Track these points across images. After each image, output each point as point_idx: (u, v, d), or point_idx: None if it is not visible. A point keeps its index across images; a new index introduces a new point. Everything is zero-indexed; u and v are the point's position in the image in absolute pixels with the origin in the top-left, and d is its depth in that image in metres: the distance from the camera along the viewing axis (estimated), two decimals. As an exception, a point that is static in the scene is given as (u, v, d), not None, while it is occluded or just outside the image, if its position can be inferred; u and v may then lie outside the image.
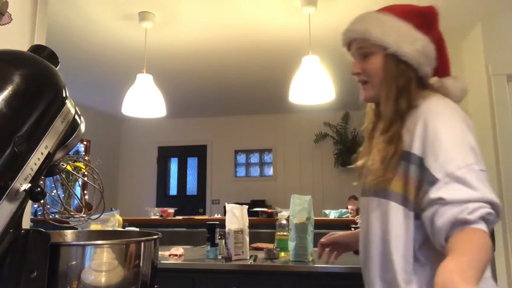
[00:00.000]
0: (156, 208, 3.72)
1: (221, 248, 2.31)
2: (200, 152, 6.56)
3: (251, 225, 2.38)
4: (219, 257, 2.26)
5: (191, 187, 6.63)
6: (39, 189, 0.61)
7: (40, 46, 0.74)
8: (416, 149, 0.93)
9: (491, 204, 0.82)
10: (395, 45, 1.02)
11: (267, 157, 6.49)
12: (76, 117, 0.74)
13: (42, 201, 0.73)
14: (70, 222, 0.92)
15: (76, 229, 1.06)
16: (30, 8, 1.58)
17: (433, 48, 1.05)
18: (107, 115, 6.13)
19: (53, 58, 0.73)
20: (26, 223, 1.22)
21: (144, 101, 3.00)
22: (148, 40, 3.16)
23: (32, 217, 3.25)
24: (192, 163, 6.67)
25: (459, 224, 0.80)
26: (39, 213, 3.79)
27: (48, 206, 0.89)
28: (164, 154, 6.71)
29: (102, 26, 3.16)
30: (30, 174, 0.61)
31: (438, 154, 0.88)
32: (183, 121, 6.52)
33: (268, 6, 2.85)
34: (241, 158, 6.58)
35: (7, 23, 1.44)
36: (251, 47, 3.59)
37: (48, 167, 0.67)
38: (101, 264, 0.71)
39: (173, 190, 6.72)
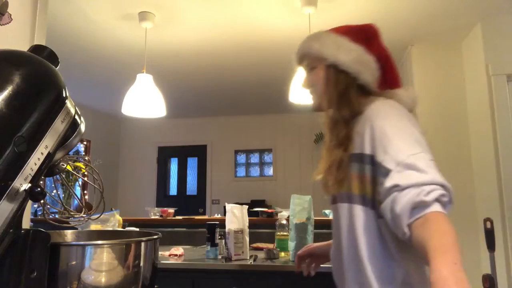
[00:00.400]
0: (156, 208, 3.72)
1: (221, 248, 2.31)
2: (200, 152, 6.56)
3: (251, 225, 2.38)
4: (219, 257, 2.26)
5: (191, 187, 6.63)
6: (39, 189, 0.61)
7: (40, 46, 0.74)
8: (367, 150, 0.99)
9: (443, 186, 0.87)
10: (333, 56, 1.11)
11: (267, 157, 6.49)
12: (76, 117, 0.74)
13: (42, 201, 0.73)
14: (70, 222, 0.92)
15: (76, 229, 1.06)
16: (30, 8, 1.58)
17: (370, 58, 1.12)
18: (107, 115, 6.13)
19: (53, 58, 0.73)
20: (26, 223, 1.22)
21: (144, 101, 3.00)
22: (148, 40, 3.16)
23: (32, 217, 3.24)
24: (192, 163, 6.67)
25: (418, 206, 0.83)
26: (39, 213, 3.78)
27: (48, 206, 0.89)
28: (164, 154, 6.71)
29: (102, 26, 3.16)
30: (30, 174, 0.61)
31: (387, 147, 0.93)
32: (183, 121, 6.52)
33: (268, 6, 2.85)
34: (241, 158, 6.58)
35: (7, 23, 1.44)
36: (251, 47, 3.59)
37: (48, 167, 0.67)
38: (101, 264, 0.71)
39: (173, 190, 6.72)
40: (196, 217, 3.58)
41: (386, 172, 0.90)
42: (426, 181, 0.85)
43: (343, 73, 1.10)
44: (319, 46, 1.15)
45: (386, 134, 0.95)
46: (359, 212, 1.00)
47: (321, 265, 2.12)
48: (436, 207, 0.83)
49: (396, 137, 0.94)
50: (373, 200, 0.98)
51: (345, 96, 1.09)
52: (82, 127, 0.76)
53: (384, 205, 0.90)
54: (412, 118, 1.02)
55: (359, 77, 1.10)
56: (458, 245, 0.78)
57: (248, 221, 2.30)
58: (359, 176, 1.00)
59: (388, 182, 0.88)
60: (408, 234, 0.84)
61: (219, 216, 4.18)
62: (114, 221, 2.31)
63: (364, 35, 1.16)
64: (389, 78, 1.17)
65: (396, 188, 0.86)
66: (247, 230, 2.27)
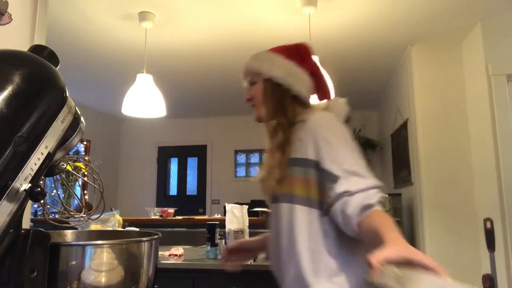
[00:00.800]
0: (156, 208, 3.72)
1: (221, 248, 2.31)
2: (200, 152, 6.56)
3: (251, 225, 2.38)
4: (219, 257, 2.26)
5: (191, 187, 6.63)
6: (39, 189, 0.61)
7: (40, 46, 0.74)
8: (311, 155, 1.11)
9: (380, 188, 1.04)
10: (268, 71, 1.28)
11: (267, 157, 6.48)
12: (76, 117, 0.74)
13: (42, 201, 0.73)
14: (70, 222, 0.92)
15: (76, 229, 1.06)
16: (30, 8, 1.58)
17: (302, 71, 1.28)
18: (107, 115, 6.13)
19: (53, 58, 0.73)
20: (26, 223, 1.22)
21: (144, 101, 3.00)
22: (148, 40, 3.16)
23: (32, 217, 3.24)
24: (192, 163, 6.67)
25: (366, 208, 0.98)
26: (39, 213, 3.78)
27: (48, 206, 0.89)
28: (164, 154, 6.71)
29: (102, 26, 3.16)
30: (30, 174, 0.61)
31: (333, 156, 1.08)
32: (183, 121, 6.52)
33: (268, 6, 2.85)
34: (241, 158, 6.58)
35: (7, 23, 1.44)
36: (251, 47, 3.57)
37: (48, 167, 0.67)
38: (101, 264, 0.71)
39: (173, 190, 6.71)
40: (196, 217, 3.58)
41: (335, 179, 1.04)
42: (370, 186, 1.02)
43: (277, 85, 1.25)
44: (257, 64, 1.32)
45: (331, 144, 1.10)
46: (300, 212, 1.11)
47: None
48: (378, 207, 0.99)
49: (340, 148, 1.10)
50: (318, 201, 1.09)
51: (281, 105, 1.24)
52: (82, 127, 0.76)
53: (335, 208, 1.03)
54: (345, 128, 1.17)
55: (292, 88, 1.24)
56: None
57: (248, 221, 2.30)
58: (304, 178, 1.12)
59: (339, 188, 1.02)
60: (358, 231, 0.98)
61: (219, 216, 4.18)
62: (114, 221, 2.31)
63: (296, 52, 1.33)
64: (324, 92, 1.34)
65: (347, 193, 1.01)
66: (247, 230, 2.27)
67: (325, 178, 1.07)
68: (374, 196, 0.99)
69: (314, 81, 1.30)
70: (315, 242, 1.09)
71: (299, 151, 1.14)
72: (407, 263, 0.79)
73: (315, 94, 1.31)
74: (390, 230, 0.90)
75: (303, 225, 1.10)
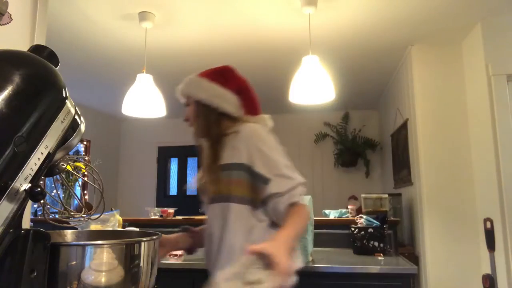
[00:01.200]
0: (156, 208, 3.72)
1: (221, 248, 2.30)
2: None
3: (251, 225, 2.38)
4: (219, 257, 2.26)
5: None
6: (39, 189, 0.61)
7: (40, 46, 0.74)
8: (244, 160, 1.33)
9: (303, 183, 1.32)
10: (196, 94, 1.49)
11: (267, 157, 6.48)
12: (76, 117, 0.74)
13: (42, 201, 0.73)
14: (70, 222, 0.92)
15: (76, 229, 1.06)
16: (30, 8, 1.58)
17: (226, 91, 1.48)
18: (107, 115, 6.13)
19: (53, 58, 0.73)
20: (26, 223, 1.22)
21: (144, 101, 3.00)
22: (148, 40, 3.16)
23: (32, 217, 3.24)
24: (192, 163, 6.66)
25: (291, 205, 1.26)
26: (39, 213, 3.78)
27: (48, 206, 0.89)
28: (164, 154, 6.71)
29: (102, 26, 3.16)
30: (30, 174, 0.61)
31: (264, 161, 1.31)
32: (183, 121, 6.51)
33: (268, 6, 2.85)
34: (241, 158, 6.57)
35: (7, 23, 1.44)
36: (251, 47, 3.59)
37: (48, 167, 0.67)
38: (101, 264, 0.71)
39: (173, 190, 6.71)
40: (196, 217, 3.57)
41: (266, 181, 1.29)
42: (295, 185, 1.29)
43: (205, 106, 1.47)
44: (187, 88, 1.52)
45: (262, 151, 1.33)
46: (235, 208, 1.32)
47: (322, 265, 2.13)
48: (300, 201, 1.29)
49: (269, 154, 1.33)
50: (250, 199, 1.32)
51: (211, 122, 1.45)
52: (82, 127, 0.76)
53: (269, 206, 1.31)
54: (274, 137, 1.42)
55: (219, 107, 1.44)
56: (303, 227, 1.30)
57: (248, 221, 2.30)
58: (239, 180, 1.33)
59: (271, 189, 1.28)
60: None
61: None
62: (114, 221, 2.31)
63: (220, 74, 1.54)
64: (253, 108, 1.53)
65: (278, 194, 1.28)
66: (247, 230, 2.27)
67: (258, 180, 1.31)
68: (297, 193, 1.29)
69: (241, 98, 1.50)
70: (247, 233, 1.31)
71: (234, 157, 1.35)
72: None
73: (244, 109, 1.51)
74: (285, 228, 1.20)
75: (237, 219, 1.32)
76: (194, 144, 1.58)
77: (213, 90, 1.48)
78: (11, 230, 0.59)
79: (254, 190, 1.32)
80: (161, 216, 3.63)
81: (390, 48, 3.62)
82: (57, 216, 0.92)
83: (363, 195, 3.25)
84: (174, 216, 3.69)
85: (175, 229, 3.36)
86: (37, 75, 0.66)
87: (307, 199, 2.22)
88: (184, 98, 1.54)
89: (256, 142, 1.35)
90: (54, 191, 0.91)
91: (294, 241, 1.18)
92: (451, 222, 3.24)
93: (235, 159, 1.34)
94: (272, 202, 1.29)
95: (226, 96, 1.48)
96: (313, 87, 2.77)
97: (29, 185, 0.60)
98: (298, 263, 1.31)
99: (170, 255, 2.25)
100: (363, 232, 2.54)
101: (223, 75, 1.55)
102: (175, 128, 6.58)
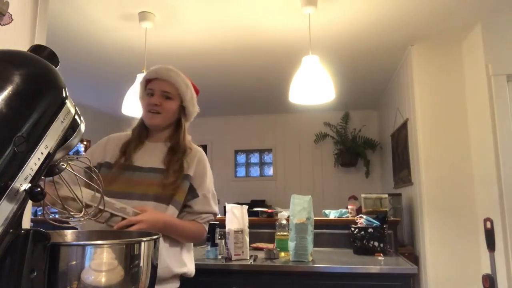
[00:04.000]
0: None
1: (221, 248, 2.31)
2: (200, 152, 6.55)
3: (251, 225, 2.38)
4: (219, 257, 2.26)
5: (191, 187, 6.62)
6: (39, 189, 0.61)
7: (40, 46, 0.73)
8: (191, 173, 1.53)
9: (214, 214, 1.59)
10: (188, 102, 1.60)
11: (267, 157, 6.48)
12: (76, 117, 0.74)
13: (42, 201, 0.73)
14: (70, 222, 0.92)
15: (76, 229, 1.06)
16: (31, 8, 1.58)
17: (196, 111, 1.67)
18: (107, 115, 6.13)
19: (53, 58, 0.73)
20: (26, 223, 1.22)
21: (144, 101, 2.99)
22: (148, 40, 3.16)
23: (32, 217, 3.24)
24: (192, 163, 6.66)
25: (204, 222, 1.57)
26: (39, 213, 3.78)
27: (48, 206, 0.89)
28: (164, 154, 6.70)
29: (102, 26, 3.16)
30: (30, 174, 0.61)
31: (203, 182, 1.56)
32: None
33: (268, 6, 2.85)
34: (241, 158, 6.58)
35: (8, 23, 1.44)
36: (251, 47, 3.58)
37: (48, 167, 0.67)
38: (101, 264, 0.71)
39: (173, 190, 6.71)
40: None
41: (196, 196, 1.53)
42: (209, 211, 1.57)
43: (185, 116, 1.63)
44: (183, 87, 1.58)
45: (203, 174, 1.58)
46: (170, 210, 1.46)
47: (322, 265, 2.12)
48: (204, 224, 1.57)
49: (206, 178, 1.59)
50: (181, 204, 1.50)
51: (185, 134, 1.61)
52: (82, 127, 0.76)
53: (191, 216, 1.54)
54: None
55: (190, 118, 1.65)
56: (185, 236, 1.52)
57: (248, 221, 2.30)
58: (182, 189, 1.50)
59: (196, 206, 1.53)
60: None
61: (219, 216, 4.17)
62: (114, 221, 2.30)
63: (197, 94, 1.67)
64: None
65: (197, 211, 1.53)
66: (247, 230, 2.27)
67: (191, 193, 1.52)
68: (205, 218, 1.56)
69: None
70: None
71: (185, 169, 1.52)
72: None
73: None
74: (175, 220, 1.47)
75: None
76: (149, 123, 1.61)
77: (196, 110, 1.66)
78: (11, 230, 0.59)
79: (185, 199, 1.52)
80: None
81: (390, 48, 3.62)
82: (57, 216, 0.92)
83: (363, 195, 3.25)
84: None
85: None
86: (37, 75, 0.66)
87: (306, 199, 2.22)
88: (170, 88, 1.56)
89: (202, 165, 1.59)
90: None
91: (166, 229, 1.39)
92: (451, 222, 3.24)
93: (186, 171, 1.53)
94: (193, 216, 1.53)
95: (195, 112, 1.66)
96: (313, 87, 2.77)
97: (29, 185, 0.60)
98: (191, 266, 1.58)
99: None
100: (363, 232, 2.54)
101: (195, 96, 1.68)
102: (175, 128, 6.58)
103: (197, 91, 1.68)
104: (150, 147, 1.58)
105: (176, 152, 1.54)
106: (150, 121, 1.58)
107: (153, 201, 1.45)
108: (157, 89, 1.56)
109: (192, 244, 1.62)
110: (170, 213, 1.45)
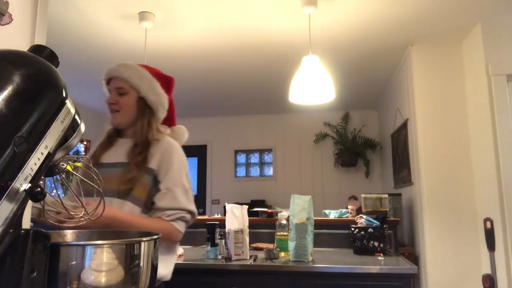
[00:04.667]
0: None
1: (221, 248, 2.31)
2: (200, 152, 6.55)
3: (251, 225, 2.38)
4: (219, 257, 2.26)
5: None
6: (39, 189, 0.61)
7: (40, 46, 0.73)
8: (154, 166, 1.44)
9: (188, 211, 1.45)
10: (146, 93, 1.52)
11: (267, 157, 6.48)
12: (76, 117, 0.74)
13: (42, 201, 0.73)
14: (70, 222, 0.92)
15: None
16: (31, 8, 1.58)
17: (166, 102, 1.57)
18: (107, 115, 6.12)
19: (53, 58, 0.73)
20: (26, 223, 1.22)
21: (144, 101, 3.00)
22: (148, 40, 3.16)
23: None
24: (192, 163, 6.66)
25: (174, 220, 1.41)
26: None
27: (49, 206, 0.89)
28: (164, 154, 6.70)
29: (102, 26, 3.16)
30: (30, 174, 0.61)
31: (168, 174, 1.43)
32: (183, 121, 6.42)
33: (268, 6, 2.85)
34: (241, 158, 6.58)
35: (8, 23, 1.44)
36: (251, 47, 3.59)
37: (48, 167, 0.67)
38: (101, 264, 0.71)
39: (173, 190, 6.70)
40: (196, 217, 3.57)
41: (158, 190, 1.42)
42: (177, 207, 1.41)
43: (148, 107, 1.52)
44: (136, 79, 1.52)
45: (172, 164, 1.45)
46: (128, 207, 1.38)
47: (322, 265, 2.13)
48: (175, 223, 1.41)
49: (173, 169, 1.44)
50: (143, 201, 1.41)
51: (149, 125, 1.51)
52: (82, 127, 0.75)
53: (156, 213, 1.41)
54: (185, 156, 1.54)
55: (156, 114, 1.53)
56: (139, 227, 1.33)
57: (248, 221, 2.30)
58: (144, 183, 1.41)
59: (159, 201, 1.41)
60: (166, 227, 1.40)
61: (219, 216, 4.17)
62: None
63: (166, 83, 1.60)
64: (172, 120, 1.66)
65: (162, 208, 1.40)
66: (247, 230, 2.27)
67: (156, 188, 1.42)
68: (172, 215, 1.40)
69: (169, 109, 1.59)
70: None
71: (148, 162, 1.43)
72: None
73: (167, 120, 1.62)
74: (135, 217, 1.36)
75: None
76: (112, 123, 1.57)
77: (161, 97, 1.55)
78: (11, 230, 0.59)
79: (150, 195, 1.42)
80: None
81: (390, 48, 3.62)
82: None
83: (363, 195, 3.25)
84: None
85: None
86: (37, 75, 0.66)
87: (306, 199, 2.22)
88: (122, 83, 1.52)
89: (170, 156, 1.47)
90: (54, 191, 0.91)
91: (111, 226, 1.24)
92: (451, 222, 3.24)
93: (149, 164, 1.44)
94: (158, 213, 1.41)
95: (165, 107, 1.56)
96: (313, 87, 2.77)
97: (29, 185, 0.60)
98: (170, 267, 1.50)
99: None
100: (363, 232, 2.55)
101: (168, 85, 1.61)
102: (175, 128, 6.58)
103: (169, 79, 1.62)
104: (120, 144, 1.56)
105: (138, 144, 1.48)
106: (112, 121, 1.55)
107: (116, 197, 1.39)
108: (111, 88, 1.55)
109: (173, 245, 1.50)
110: (128, 209, 1.36)
